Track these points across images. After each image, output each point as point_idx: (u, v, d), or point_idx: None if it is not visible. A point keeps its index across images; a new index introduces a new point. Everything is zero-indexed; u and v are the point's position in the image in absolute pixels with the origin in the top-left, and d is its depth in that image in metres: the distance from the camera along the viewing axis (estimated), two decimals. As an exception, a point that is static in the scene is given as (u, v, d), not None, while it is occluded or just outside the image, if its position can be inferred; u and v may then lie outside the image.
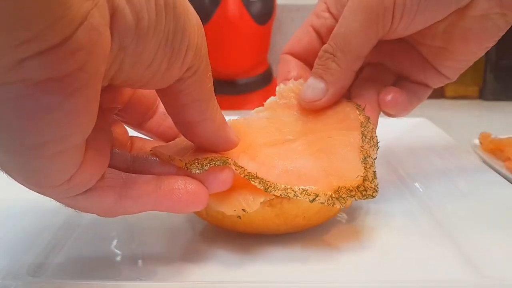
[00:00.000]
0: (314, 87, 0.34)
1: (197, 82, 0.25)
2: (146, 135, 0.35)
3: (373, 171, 0.31)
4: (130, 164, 0.29)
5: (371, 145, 0.33)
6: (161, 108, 0.33)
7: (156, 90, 0.26)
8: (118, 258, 0.32)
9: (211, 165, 0.28)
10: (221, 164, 0.28)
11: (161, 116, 0.33)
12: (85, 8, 0.17)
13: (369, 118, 0.35)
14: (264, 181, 0.30)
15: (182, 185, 0.27)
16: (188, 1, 0.23)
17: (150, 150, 0.31)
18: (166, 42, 0.22)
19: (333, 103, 0.36)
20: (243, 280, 0.30)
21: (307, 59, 0.39)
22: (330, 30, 0.36)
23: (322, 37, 0.39)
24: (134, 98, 0.32)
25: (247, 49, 0.74)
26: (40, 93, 0.17)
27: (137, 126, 0.34)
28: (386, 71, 0.39)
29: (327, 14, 0.38)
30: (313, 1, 0.90)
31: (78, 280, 0.29)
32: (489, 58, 0.84)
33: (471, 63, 0.37)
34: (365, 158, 0.32)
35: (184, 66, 0.23)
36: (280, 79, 0.39)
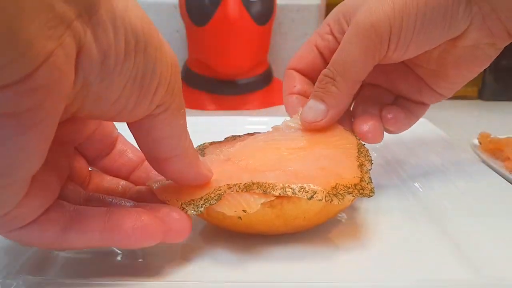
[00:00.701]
0: (315, 109, 0.36)
1: (169, 119, 0.25)
2: (98, 170, 0.34)
3: (368, 176, 0.33)
4: (83, 202, 0.28)
5: (366, 159, 0.35)
6: (118, 145, 0.34)
7: (128, 124, 0.26)
8: (118, 258, 0.32)
9: (206, 206, 0.29)
10: (216, 202, 0.30)
11: (117, 153, 0.34)
12: (49, 47, 0.17)
13: (364, 144, 0.37)
14: (261, 184, 0.30)
15: (133, 218, 0.26)
16: (163, 40, 0.23)
17: (147, 184, 0.31)
18: (134, 81, 0.21)
19: (331, 125, 0.38)
20: (243, 280, 0.30)
21: (310, 76, 0.42)
22: (332, 51, 0.37)
23: (325, 57, 0.41)
24: (97, 134, 0.32)
25: (247, 49, 0.74)
26: None
27: (92, 162, 0.33)
28: (385, 90, 0.42)
29: (330, 37, 0.40)
30: (313, 1, 0.90)
31: (78, 280, 0.29)
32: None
33: (464, 83, 0.39)
34: (360, 165, 0.34)
35: (153, 104, 0.23)
36: (286, 92, 0.41)
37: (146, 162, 0.34)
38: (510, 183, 0.41)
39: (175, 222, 0.28)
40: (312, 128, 0.37)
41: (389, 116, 0.39)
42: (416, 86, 0.40)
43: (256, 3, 0.73)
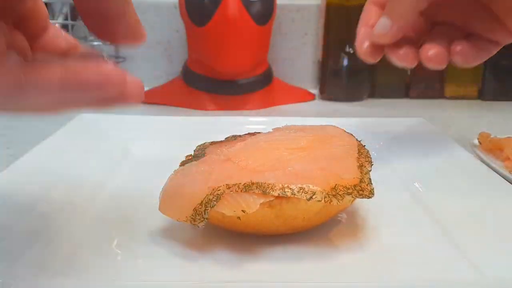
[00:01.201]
0: (382, 23, 0.39)
1: None
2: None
3: (368, 177, 0.33)
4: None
5: (367, 160, 0.35)
6: (51, 29, 0.31)
7: None
8: (118, 258, 0.32)
9: (208, 210, 0.30)
10: (216, 203, 0.30)
11: (52, 35, 0.31)
12: None
13: (364, 146, 0.37)
14: (260, 184, 0.30)
15: (94, 64, 0.24)
16: None
17: None
18: None
19: (334, 128, 0.39)
20: (243, 280, 0.30)
21: None
22: None
23: None
24: (32, 11, 0.30)
25: (247, 49, 0.74)
26: None
27: (28, 40, 0.30)
28: (457, 28, 0.42)
29: None
30: (313, 1, 0.89)
31: (78, 280, 0.29)
32: (488, 59, 0.84)
33: None
34: (360, 166, 0.34)
35: None
36: (360, 25, 0.44)
37: (80, 48, 0.31)
38: (510, 183, 0.41)
39: (132, 81, 0.25)
40: (380, 41, 0.40)
41: (458, 48, 0.40)
42: (489, 24, 0.40)
43: (256, 3, 0.73)
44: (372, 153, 0.38)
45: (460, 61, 0.41)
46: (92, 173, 0.44)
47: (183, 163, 0.39)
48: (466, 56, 0.40)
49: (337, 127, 0.39)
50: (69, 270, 0.31)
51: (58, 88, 0.23)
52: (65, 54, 0.31)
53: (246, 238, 0.34)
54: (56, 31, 0.31)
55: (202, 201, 0.30)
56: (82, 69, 0.23)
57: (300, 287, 0.29)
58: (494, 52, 0.42)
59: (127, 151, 0.52)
